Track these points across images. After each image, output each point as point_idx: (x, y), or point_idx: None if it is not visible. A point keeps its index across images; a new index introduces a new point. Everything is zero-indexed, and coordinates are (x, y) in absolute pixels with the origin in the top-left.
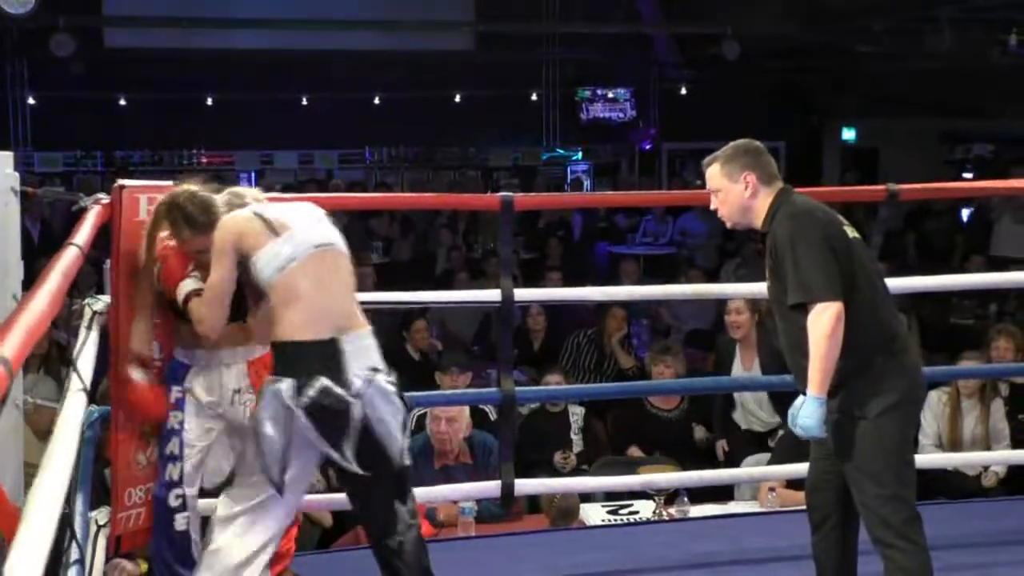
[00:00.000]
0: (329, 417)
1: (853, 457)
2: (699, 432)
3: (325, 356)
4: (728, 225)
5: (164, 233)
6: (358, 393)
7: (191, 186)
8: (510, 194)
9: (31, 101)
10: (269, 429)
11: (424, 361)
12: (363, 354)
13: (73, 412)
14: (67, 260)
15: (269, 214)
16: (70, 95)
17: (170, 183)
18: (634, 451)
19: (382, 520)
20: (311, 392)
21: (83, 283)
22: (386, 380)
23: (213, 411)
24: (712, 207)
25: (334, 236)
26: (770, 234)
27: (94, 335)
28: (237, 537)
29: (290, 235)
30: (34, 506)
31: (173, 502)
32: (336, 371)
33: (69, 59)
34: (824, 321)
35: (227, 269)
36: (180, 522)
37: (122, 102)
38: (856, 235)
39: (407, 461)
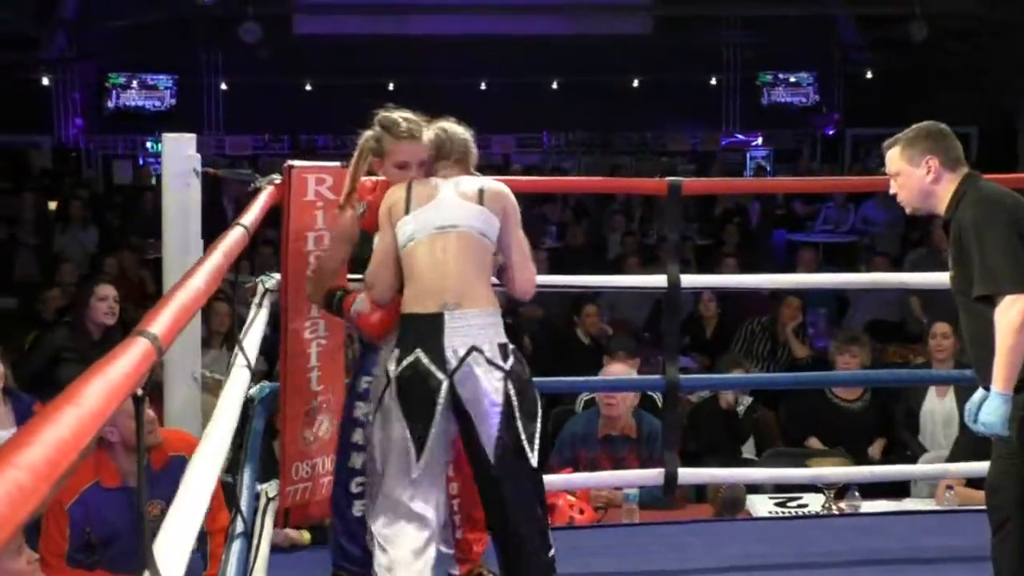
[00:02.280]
0: (416, 391)
1: None
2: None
3: (426, 330)
4: (907, 211)
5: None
6: (452, 371)
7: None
8: (678, 178)
9: (223, 87)
10: (372, 395)
11: (594, 346)
12: (468, 332)
13: (235, 388)
14: (231, 240)
15: (417, 188)
16: (260, 81)
17: (337, 164)
18: (813, 443)
19: (488, 507)
20: (405, 362)
21: (263, 262)
22: (488, 362)
23: None
24: (891, 192)
25: (465, 217)
26: (954, 221)
27: (264, 312)
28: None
29: (418, 213)
30: (190, 478)
31: (354, 488)
32: (433, 346)
33: (259, 46)
34: (1013, 314)
35: (387, 235)
36: (357, 508)
37: (308, 87)
38: None
39: (507, 451)
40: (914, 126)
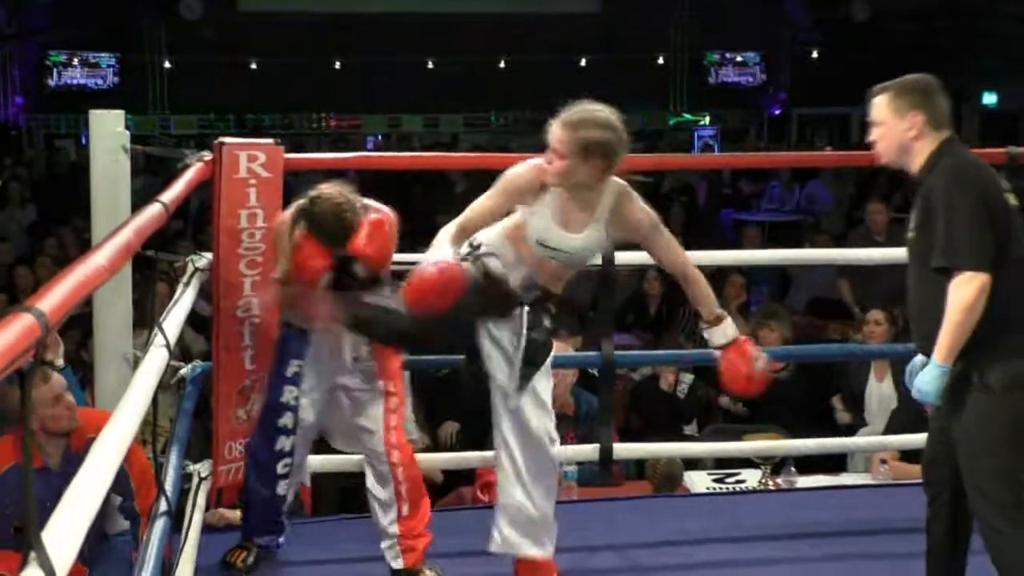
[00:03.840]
0: None
1: (968, 427)
2: (838, 403)
3: None
4: (882, 161)
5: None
6: None
7: (331, 193)
8: None
9: (167, 65)
10: None
11: None
12: None
13: (149, 367)
14: (144, 217)
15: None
16: (205, 59)
17: (270, 141)
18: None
19: None
20: None
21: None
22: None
23: (331, 376)
24: (870, 139)
25: None
26: (925, 183)
27: (190, 292)
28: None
29: None
30: (89, 460)
31: (280, 470)
32: None
33: (203, 23)
34: (967, 292)
35: None
36: (281, 487)
37: (253, 66)
38: (1016, 203)
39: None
40: (906, 76)
